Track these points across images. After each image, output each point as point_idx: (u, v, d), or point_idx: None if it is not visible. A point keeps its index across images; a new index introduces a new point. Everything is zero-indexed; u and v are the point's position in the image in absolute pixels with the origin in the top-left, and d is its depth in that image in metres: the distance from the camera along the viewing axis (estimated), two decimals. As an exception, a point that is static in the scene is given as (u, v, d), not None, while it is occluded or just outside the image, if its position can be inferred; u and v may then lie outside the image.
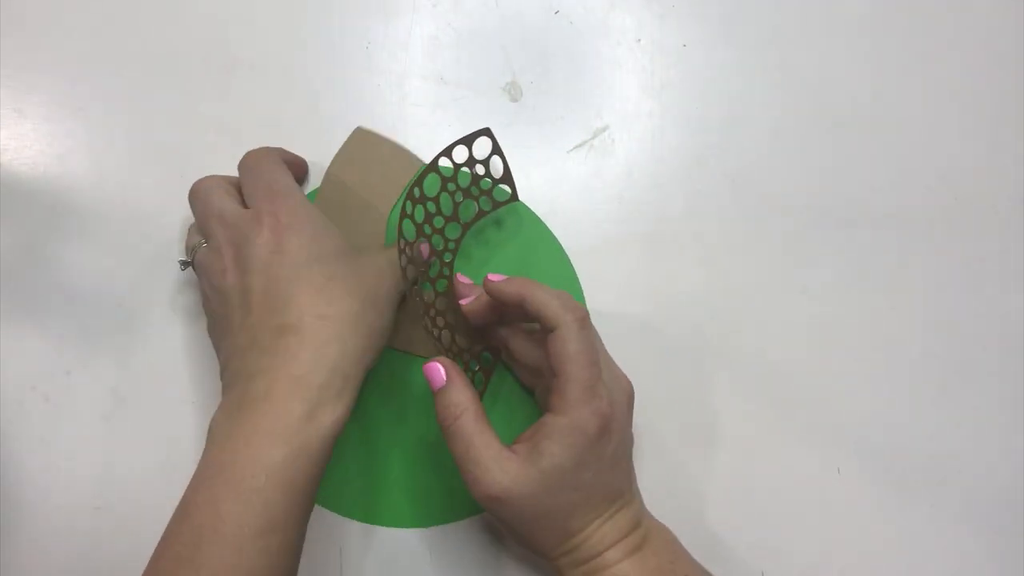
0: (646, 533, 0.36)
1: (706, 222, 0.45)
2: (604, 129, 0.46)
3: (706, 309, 0.44)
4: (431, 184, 0.38)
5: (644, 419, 0.40)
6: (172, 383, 0.42)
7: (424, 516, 0.41)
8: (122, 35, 0.46)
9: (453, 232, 0.40)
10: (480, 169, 0.40)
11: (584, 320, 0.34)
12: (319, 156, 0.45)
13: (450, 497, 0.41)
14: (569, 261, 0.44)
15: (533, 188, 0.45)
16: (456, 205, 0.40)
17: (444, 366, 0.35)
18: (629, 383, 0.37)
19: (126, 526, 0.41)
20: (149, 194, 0.44)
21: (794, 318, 0.44)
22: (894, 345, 0.44)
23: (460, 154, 0.39)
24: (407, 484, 0.41)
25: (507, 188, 0.42)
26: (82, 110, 0.45)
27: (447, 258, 0.39)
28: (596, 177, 0.45)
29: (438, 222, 0.39)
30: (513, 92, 0.46)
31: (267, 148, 0.40)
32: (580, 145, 0.45)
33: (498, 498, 0.33)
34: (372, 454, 0.42)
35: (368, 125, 0.45)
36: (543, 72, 0.46)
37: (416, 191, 0.37)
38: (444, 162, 0.38)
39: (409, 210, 0.37)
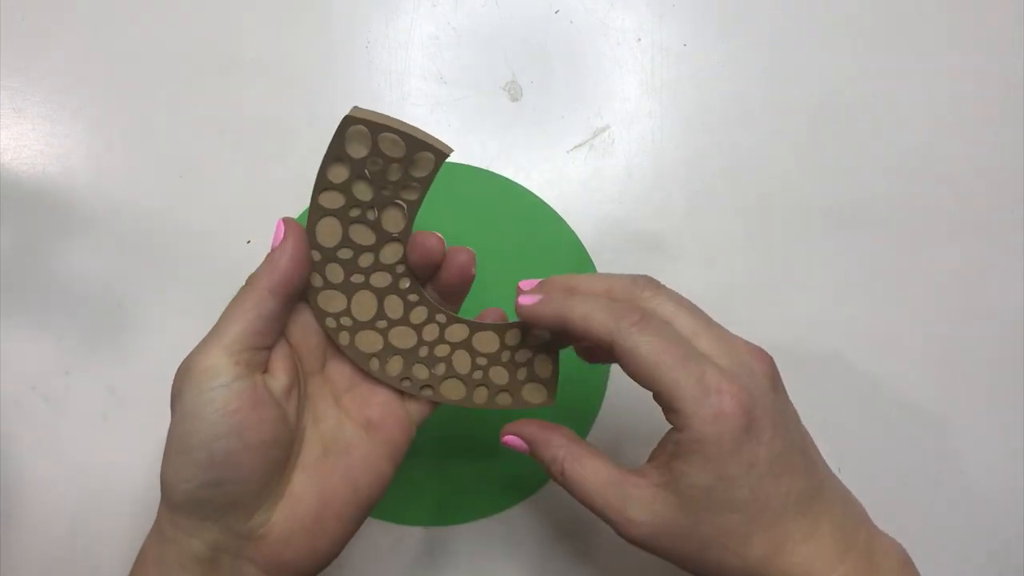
0: (870, 553, 0.28)
1: (706, 222, 0.45)
2: (604, 129, 0.46)
3: (706, 309, 0.44)
4: (328, 232, 0.30)
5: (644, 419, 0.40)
6: (171, 383, 0.42)
7: (425, 516, 0.41)
8: (122, 35, 0.46)
9: (393, 254, 0.31)
10: (375, 163, 0.29)
11: (645, 318, 0.28)
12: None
13: (453, 498, 0.41)
14: (590, 258, 0.44)
15: (533, 188, 0.45)
16: (375, 225, 0.30)
17: (514, 433, 0.32)
18: (763, 355, 0.29)
19: (126, 526, 0.41)
20: (149, 194, 0.44)
21: (794, 318, 0.44)
22: (894, 345, 0.44)
23: (338, 172, 0.30)
24: (411, 482, 0.41)
25: (424, 155, 0.29)
26: (82, 110, 0.45)
27: (404, 284, 0.32)
28: (596, 177, 0.45)
29: (366, 260, 0.31)
30: (513, 92, 0.46)
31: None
32: (580, 145, 0.45)
33: (646, 538, 0.28)
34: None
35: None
36: (543, 72, 0.46)
37: (315, 255, 0.30)
38: (327, 196, 0.30)
39: (320, 283, 0.31)
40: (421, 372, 0.32)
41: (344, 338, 0.31)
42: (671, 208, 0.45)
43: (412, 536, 0.41)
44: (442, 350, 0.32)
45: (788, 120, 0.46)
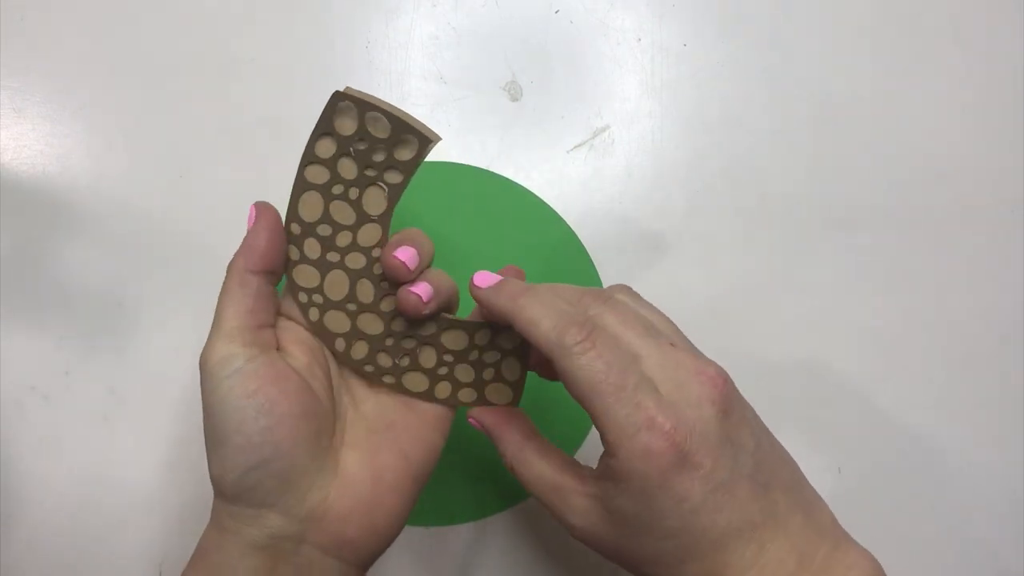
0: (827, 571, 0.26)
1: (706, 222, 0.45)
2: (604, 129, 0.46)
3: (706, 308, 0.44)
4: (310, 206, 0.30)
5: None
6: (172, 383, 0.42)
7: (425, 516, 0.41)
8: (122, 35, 0.46)
9: (371, 237, 0.31)
10: (361, 142, 0.29)
11: (591, 336, 0.26)
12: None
13: (453, 498, 0.41)
14: (590, 258, 0.43)
15: (533, 188, 0.45)
16: (356, 205, 0.30)
17: (479, 423, 0.32)
18: (714, 378, 0.27)
19: (126, 526, 0.41)
20: (149, 194, 0.44)
21: (794, 318, 0.44)
22: (894, 345, 0.44)
23: (326, 146, 0.30)
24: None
25: (408, 138, 0.29)
26: (82, 110, 0.45)
27: (378, 270, 0.31)
28: (596, 177, 0.45)
29: (343, 239, 0.31)
30: (513, 92, 0.46)
31: None
32: (580, 145, 0.45)
33: (586, 541, 0.28)
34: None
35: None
36: (543, 72, 0.46)
37: (294, 228, 0.30)
38: (312, 170, 0.30)
39: (296, 256, 0.31)
40: (385, 360, 0.32)
41: (313, 314, 0.31)
42: (671, 208, 0.45)
43: (412, 536, 0.41)
44: (408, 343, 0.32)
45: (788, 120, 0.46)
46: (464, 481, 0.42)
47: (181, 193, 0.44)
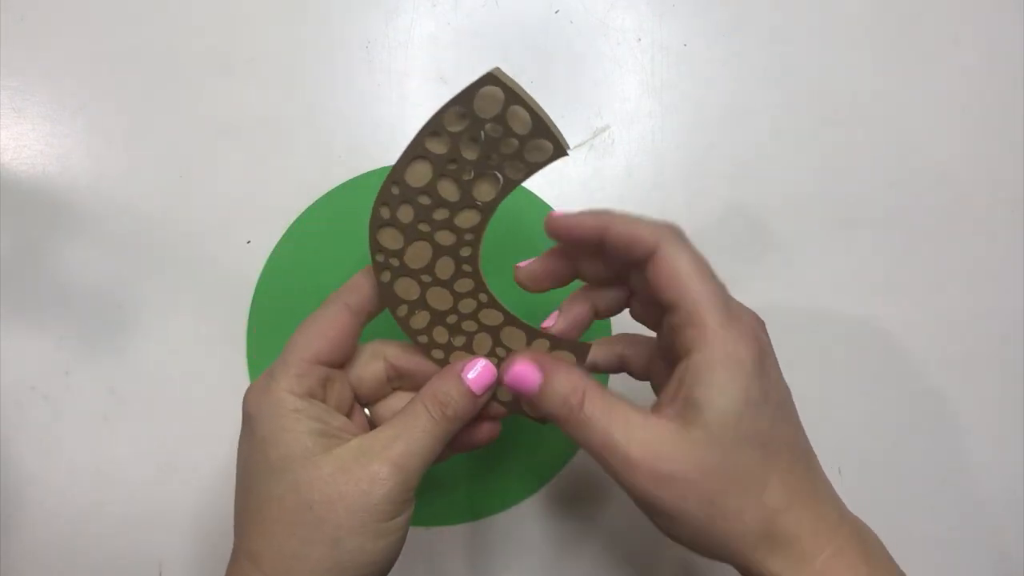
0: (859, 527, 0.28)
1: (706, 222, 0.45)
2: (604, 129, 0.46)
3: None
4: (418, 174, 0.29)
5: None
6: (171, 383, 0.42)
7: (425, 516, 0.41)
8: (122, 35, 0.46)
9: (469, 220, 0.30)
10: (495, 130, 0.28)
11: (683, 237, 0.28)
12: (319, 157, 0.45)
13: (453, 498, 0.41)
14: None
15: (533, 188, 0.45)
16: (465, 186, 0.29)
17: (533, 361, 0.29)
18: (759, 318, 0.29)
19: (125, 526, 0.41)
20: (149, 194, 0.44)
21: (794, 317, 0.44)
22: (894, 344, 0.44)
23: (455, 119, 0.29)
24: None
25: (544, 142, 0.29)
26: (82, 110, 0.45)
27: (465, 252, 0.31)
28: (596, 177, 0.45)
29: (440, 215, 0.30)
30: (513, 92, 0.46)
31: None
32: (580, 145, 0.45)
33: (669, 477, 0.26)
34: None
35: (368, 125, 0.45)
36: (543, 71, 0.46)
37: (395, 189, 0.30)
38: (433, 139, 0.29)
39: (387, 215, 0.30)
40: (441, 336, 0.32)
41: (386, 276, 0.31)
42: (671, 208, 0.45)
43: (412, 536, 0.41)
44: (469, 325, 0.32)
45: (788, 120, 0.46)
46: (464, 481, 0.42)
47: (181, 193, 0.44)
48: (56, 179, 0.44)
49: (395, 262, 0.31)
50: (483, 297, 0.32)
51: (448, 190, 0.30)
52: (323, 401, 0.30)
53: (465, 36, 0.46)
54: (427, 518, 0.41)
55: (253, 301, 0.43)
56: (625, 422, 0.27)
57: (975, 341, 0.44)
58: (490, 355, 0.32)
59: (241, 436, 0.30)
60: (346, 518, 0.27)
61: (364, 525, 0.27)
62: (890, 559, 0.29)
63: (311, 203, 0.44)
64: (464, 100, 0.28)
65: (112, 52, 0.46)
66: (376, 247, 0.31)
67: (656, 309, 0.30)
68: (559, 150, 0.29)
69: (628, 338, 0.34)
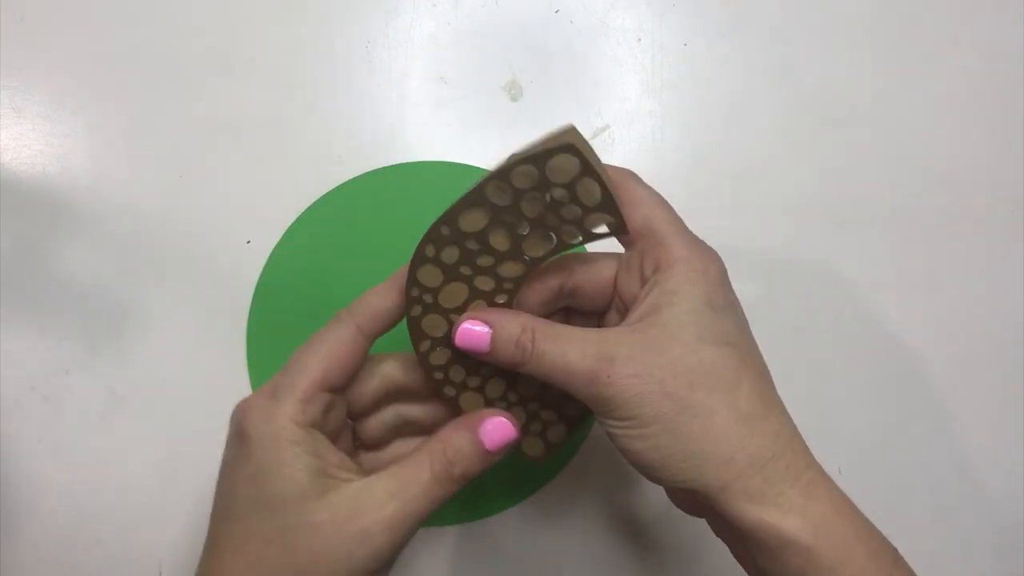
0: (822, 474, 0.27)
1: (706, 222, 0.45)
2: (604, 128, 0.46)
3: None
4: (472, 220, 0.29)
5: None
6: (171, 383, 0.42)
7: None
8: (122, 35, 0.46)
9: (513, 271, 0.30)
10: (563, 196, 0.28)
11: (643, 183, 0.29)
12: (318, 156, 0.45)
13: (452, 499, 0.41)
14: None
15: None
16: (517, 239, 0.29)
17: (477, 319, 0.29)
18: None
19: (125, 526, 0.41)
20: (149, 194, 0.44)
21: (793, 317, 0.44)
22: (894, 344, 0.44)
23: (525, 177, 0.28)
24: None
25: (608, 216, 0.29)
26: (82, 110, 0.45)
27: (500, 300, 0.30)
28: (596, 177, 0.45)
29: (484, 261, 0.30)
30: (513, 91, 0.46)
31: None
32: (580, 145, 0.45)
33: (630, 376, 0.25)
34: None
35: (368, 125, 0.45)
36: (543, 71, 0.46)
37: (445, 230, 0.29)
38: (497, 190, 0.28)
39: (431, 254, 0.29)
40: (457, 374, 0.32)
41: (416, 311, 0.31)
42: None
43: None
44: (486, 369, 0.32)
45: (788, 120, 0.46)
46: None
47: (181, 193, 0.44)
48: (56, 179, 0.44)
49: (429, 299, 0.30)
50: None
51: (499, 240, 0.29)
52: (322, 429, 0.29)
53: (465, 36, 0.46)
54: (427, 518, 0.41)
55: (253, 301, 0.43)
56: (579, 341, 0.27)
57: (975, 341, 0.44)
58: (501, 399, 0.32)
59: (232, 453, 0.28)
60: (326, 571, 0.26)
61: None
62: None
63: (311, 203, 0.44)
64: (537, 161, 0.27)
65: (112, 52, 0.46)
66: (413, 282, 0.30)
67: (603, 285, 0.30)
68: (621, 228, 0.29)
69: (574, 260, 0.31)
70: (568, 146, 0.27)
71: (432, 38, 0.46)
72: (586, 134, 0.46)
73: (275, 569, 0.26)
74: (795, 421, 0.45)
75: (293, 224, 0.44)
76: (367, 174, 0.44)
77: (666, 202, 0.29)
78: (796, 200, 0.45)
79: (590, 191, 0.28)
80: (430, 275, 0.30)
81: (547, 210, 0.28)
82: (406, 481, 0.27)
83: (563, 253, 0.30)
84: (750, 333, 0.28)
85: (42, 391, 0.42)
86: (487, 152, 0.45)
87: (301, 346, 0.29)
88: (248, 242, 0.44)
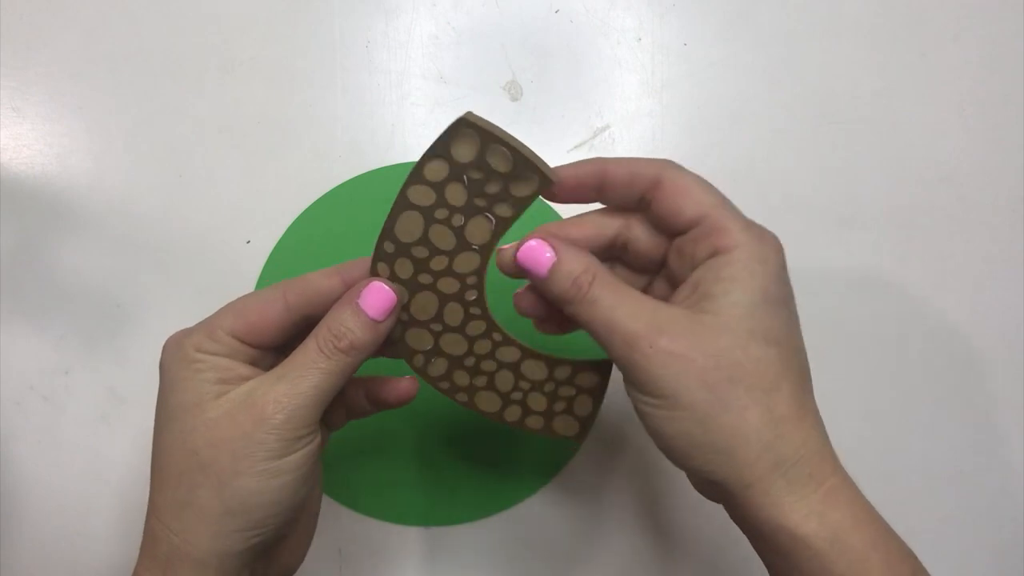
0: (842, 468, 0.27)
1: (706, 222, 0.45)
2: (605, 128, 0.46)
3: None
4: (408, 227, 0.29)
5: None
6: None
7: (425, 516, 0.41)
8: (121, 35, 0.46)
9: (468, 264, 0.30)
10: (477, 172, 0.28)
11: (681, 166, 0.28)
12: (319, 157, 0.45)
13: (452, 499, 0.41)
14: None
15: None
16: (458, 232, 0.29)
17: (546, 240, 0.28)
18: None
19: (125, 526, 0.41)
20: (149, 194, 0.44)
21: (794, 318, 0.44)
22: (894, 344, 0.44)
23: (436, 170, 0.28)
24: (410, 483, 0.41)
25: (529, 175, 0.28)
26: (81, 110, 0.45)
27: (471, 296, 0.31)
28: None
29: (438, 264, 0.30)
30: (513, 91, 0.46)
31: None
32: (580, 145, 0.45)
33: (669, 352, 0.25)
34: (380, 449, 0.42)
35: (368, 125, 0.45)
36: (543, 71, 0.46)
37: (388, 246, 0.29)
38: (417, 191, 0.29)
39: (386, 272, 0.30)
40: (462, 379, 0.32)
41: (396, 332, 0.31)
42: (671, 208, 0.45)
43: (412, 536, 0.41)
44: (488, 365, 0.32)
45: (789, 119, 0.46)
46: (464, 481, 0.42)
47: (181, 193, 0.44)
48: (56, 179, 0.44)
49: (403, 316, 0.31)
50: (497, 336, 0.32)
51: (442, 238, 0.29)
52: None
53: (465, 36, 0.46)
54: (427, 518, 0.41)
55: (253, 301, 0.43)
56: (633, 303, 0.26)
57: (975, 341, 0.44)
58: (514, 390, 0.32)
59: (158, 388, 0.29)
60: (231, 461, 0.26)
61: (250, 467, 0.26)
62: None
63: (311, 203, 0.44)
64: (441, 148, 0.28)
65: (112, 52, 0.46)
66: None
67: (657, 247, 0.29)
68: (545, 180, 0.28)
69: (634, 218, 0.30)
70: (460, 121, 0.27)
71: (432, 38, 0.46)
72: (586, 134, 0.46)
73: (183, 473, 0.27)
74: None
75: (293, 224, 0.44)
76: (367, 174, 0.44)
77: (714, 187, 0.28)
78: (796, 200, 0.45)
79: (501, 158, 0.28)
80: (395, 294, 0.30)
81: (471, 193, 0.28)
82: (295, 363, 0.28)
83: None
84: (799, 329, 0.27)
85: (42, 391, 0.42)
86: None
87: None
88: (248, 242, 0.44)
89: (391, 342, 0.31)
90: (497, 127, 0.28)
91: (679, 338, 0.25)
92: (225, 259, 0.43)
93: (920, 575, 0.26)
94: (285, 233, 0.44)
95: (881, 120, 0.46)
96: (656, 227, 0.29)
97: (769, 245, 0.27)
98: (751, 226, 0.27)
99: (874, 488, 0.42)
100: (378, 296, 0.29)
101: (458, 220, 0.29)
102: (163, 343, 0.29)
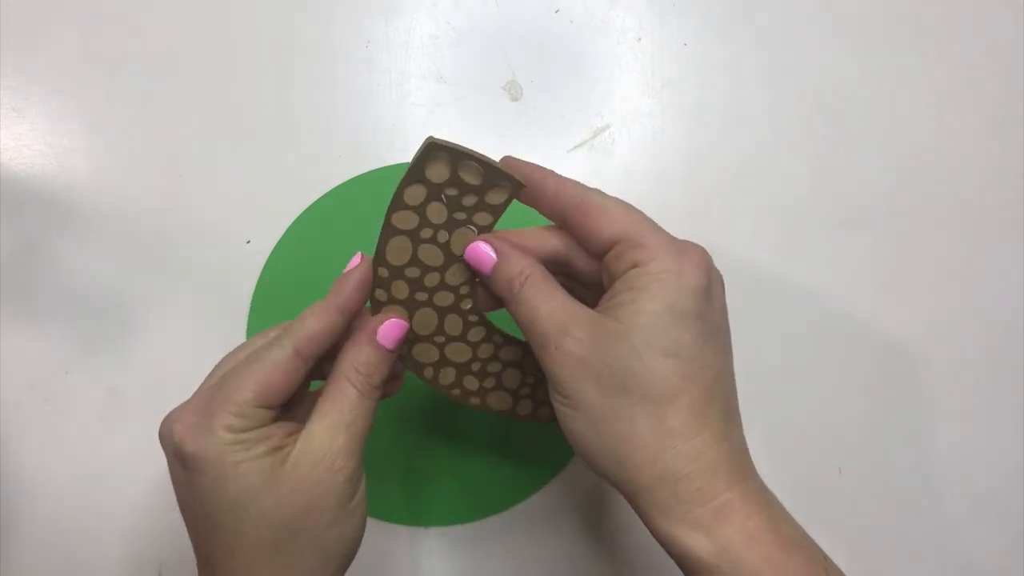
0: (763, 486, 0.28)
1: (707, 222, 0.45)
2: (605, 128, 0.46)
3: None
4: (398, 250, 0.30)
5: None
6: (171, 383, 0.42)
7: (425, 516, 0.41)
8: (121, 35, 0.46)
9: (458, 276, 0.31)
10: (453, 190, 0.30)
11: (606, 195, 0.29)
12: (319, 157, 0.45)
13: (453, 499, 0.41)
14: None
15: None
16: (444, 247, 0.31)
17: (490, 243, 0.30)
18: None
19: (125, 526, 0.41)
20: (149, 194, 0.44)
21: (794, 317, 0.44)
22: (894, 344, 0.44)
23: (415, 194, 0.29)
24: (411, 483, 0.41)
25: (500, 183, 0.30)
26: (81, 110, 0.45)
27: (466, 305, 0.32)
28: (596, 177, 0.45)
29: (431, 280, 0.31)
30: (513, 91, 0.46)
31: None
32: (580, 145, 0.45)
33: (569, 354, 0.26)
34: (381, 449, 0.42)
35: (368, 125, 0.45)
36: (543, 71, 0.46)
37: (382, 271, 0.31)
38: (401, 216, 0.30)
39: (384, 298, 0.31)
40: (471, 383, 0.34)
41: (403, 348, 0.32)
42: (672, 208, 0.45)
43: (412, 536, 0.41)
44: (494, 366, 0.33)
45: (789, 119, 0.46)
46: (464, 482, 0.42)
47: (181, 193, 0.44)
48: (56, 179, 0.44)
49: (408, 334, 0.32)
50: (497, 339, 0.33)
51: (430, 256, 0.31)
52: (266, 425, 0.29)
53: (465, 36, 0.46)
54: (427, 518, 0.41)
55: (253, 301, 0.43)
56: (553, 305, 0.28)
57: (975, 341, 0.44)
58: (521, 386, 0.34)
59: (183, 475, 0.28)
60: (319, 518, 0.28)
61: (336, 516, 0.28)
62: (795, 522, 0.28)
63: (311, 203, 0.44)
64: (416, 173, 0.29)
65: (112, 52, 0.46)
66: None
67: (594, 267, 0.30)
68: (517, 185, 0.30)
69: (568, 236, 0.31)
70: (429, 146, 0.29)
71: (432, 38, 0.46)
72: (586, 134, 0.46)
73: (277, 543, 0.27)
74: (795, 421, 0.45)
75: (293, 224, 0.44)
76: (367, 174, 0.44)
77: (636, 209, 0.29)
78: (796, 200, 0.45)
79: (473, 172, 0.29)
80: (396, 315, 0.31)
81: (450, 210, 0.30)
82: (339, 410, 0.29)
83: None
84: (717, 347, 0.27)
85: (42, 391, 0.42)
86: (487, 152, 0.45)
87: (238, 362, 0.29)
88: (248, 242, 0.44)
89: (401, 359, 0.32)
90: (461, 145, 0.29)
91: (582, 342, 0.27)
92: (225, 259, 0.43)
93: None
94: (285, 233, 0.44)
95: (881, 119, 0.46)
96: (585, 248, 0.30)
97: (689, 260, 0.27)
98: (673, 242, 0.28)
99: (879, 489, 0.42)
100: (395, 329, 0.30)
101: (443, 236, 0.30)
102: (174, 429, 0.28)
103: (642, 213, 0.29)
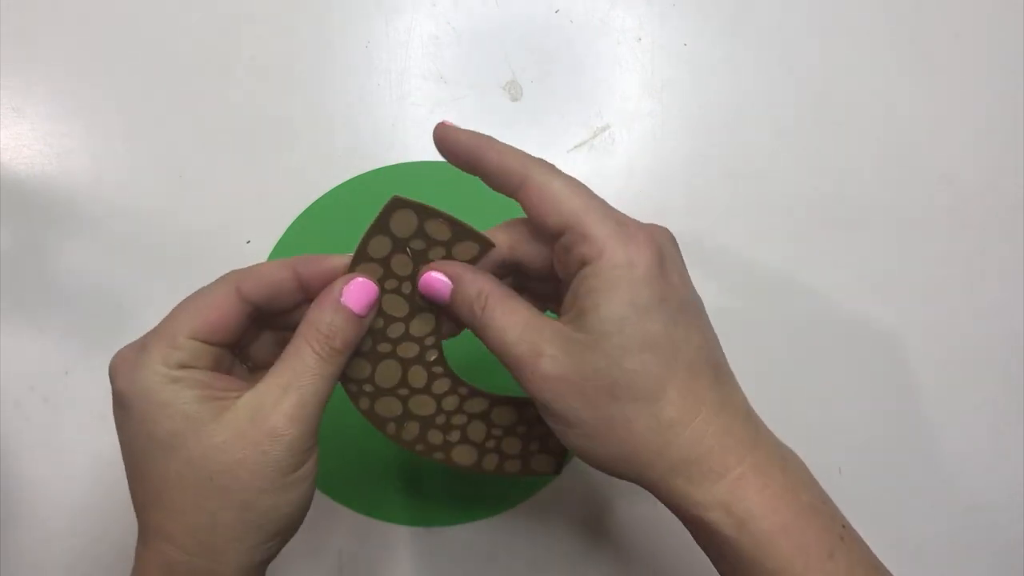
0: (777, 446, 0.28)
1: (707, 222, 0.45)
2: (605, 128, 0.46)
3: (706, 307, 0.44)
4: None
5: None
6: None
7: (425, 516, 0.41)
8: (122, 35, 0.46)
9: (423, 327, 0.30)
10: (419, 244, 0.29)
11: (556, 168, 0.28)
12: (319, 157, 0.45)
13: (453, 499, 0.41)
14: None
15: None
16: (409, 298, 0.30)
17: (442, 271, 0.29)
18: (665, 228, 0.28)
19: (125, 526, 0.41)
20: (149, 194, 0.44)
21: (794, 317, 0.44)
22: (894, 345, 0.44)
23: (379, 246, 0.29)
24: (410, 483, 0.41)
25: (469, 243, 0.29)
26: (81, 110, 0.45)
27: (431, 356, 0.31)
28: (596, 177, 0.45)
29: (395, 331, 0.30)
30: (513, 91, 0.46)
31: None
32: (580, 144, 0.45)
33: (549, 376, 0.26)
34: (381, 449, 0.42)
35: (368, 125, 0.45)
36: (543, 71, 0.46)
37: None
38: (365, 268, 0.29)
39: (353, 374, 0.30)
40: (436, 437, 0.32)
41: (364, 403, 0.31)
42: (672, 208, 0.45)
43: (412, 536, 0.41)
44: (459, 419, 0.32)
45: (789, 119, 0.46)
46: (463, 482, 0.42)
47: (181, 193, 0.44)
48: (56, 179, 0.44)
49: (368, 387, 0.31)
50: (463, 390, 0.32)
51: (395, 306, 0.30)
52: (204, 368, 0.28)
53: (465, 36, 0.46)
54: (427, 518, 0.41)
55: (253, 301, 0.43)
56: (519, 326, 0.27)
57: (975, 341, 0.44)
58: (487, 439, 0.33)
59: (116, 413, 0.28)
60: (250, 481, 0.26)
61: (271, 483, 0.26)
62: (814, 482, 0.28)
63: (311, 203, 0.44)
64: (381, 226, 0.29)
65: (111, 52, 0.46)
66: (344, 379, 0.31)
67: (544, 258, 0.29)
68: (487, 245, 0.29)
69: (518, 227, 0.30)
70: (394, 200, 0.28)
71: (432, 38, 0.46)
72: (586, 134, 0.46)
73: (200, 499, 0.26)
74: (795, 421, 0.44)
75: (293, 224, 0.44)
76: (367, 174, 0.44)
77: (583, 186, 0.28)
78: (796, 200, 0.45)
79: (439, 229, 0.29)
80: (357, 367, 0.30)
81: (416, 262, 0.29)
82: (293, 370, 0.27)
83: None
84: (689, 322, 0.27)
85: (42, 391, 0.42)
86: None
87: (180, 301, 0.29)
88: (248, 242, 0.44)
89: (361, 412, 0.31)
90: (429, 205, 0.29)
91: (557, 359, 0.26)
92: (225, 259, 0.43)
93: (837, 556, 0.26)
94: (285, 233, 0.44)
95: (881, 120, 0.46)
96: (535, 227, 0.29)
97: (636, 247, 0.26)
98: (619, 228, 0.26)
99: (879, 489, 0.42)
100: (361, 291, 0.28)
101: (407, 287, 0.30)
102: (111, 364, 0.27)
103: (587, 192, 0.27)
